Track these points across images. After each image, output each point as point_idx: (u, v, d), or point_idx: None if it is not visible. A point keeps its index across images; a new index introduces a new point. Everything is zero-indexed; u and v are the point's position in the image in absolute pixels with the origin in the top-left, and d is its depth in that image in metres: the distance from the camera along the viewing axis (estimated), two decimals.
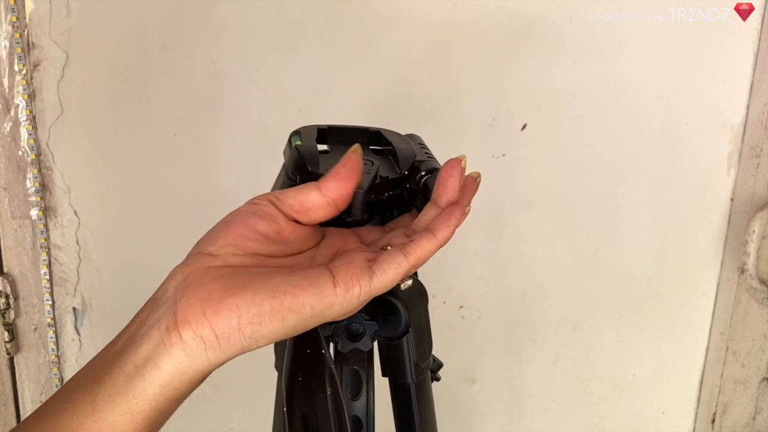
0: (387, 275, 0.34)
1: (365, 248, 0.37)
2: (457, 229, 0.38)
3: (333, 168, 0.36)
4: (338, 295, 0.32)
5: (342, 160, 0.36)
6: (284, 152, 0.44)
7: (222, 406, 1.08)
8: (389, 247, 0.36)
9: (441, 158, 0.45)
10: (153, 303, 0.34)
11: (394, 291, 0.44)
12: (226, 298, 0.31)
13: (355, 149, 0.36)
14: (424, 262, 0.36)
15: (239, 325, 0.31)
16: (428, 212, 0.38)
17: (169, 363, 0.31)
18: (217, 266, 0.33)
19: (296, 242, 0.36)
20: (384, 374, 0.46)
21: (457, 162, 0.37)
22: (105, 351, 0.34)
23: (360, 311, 0.43)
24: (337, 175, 0.35)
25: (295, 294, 0.32)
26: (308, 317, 0.32)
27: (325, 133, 0.44)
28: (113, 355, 0.32)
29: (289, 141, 0.43)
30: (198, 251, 0.34)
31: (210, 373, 0.33)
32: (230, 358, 0.32)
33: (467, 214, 0.37)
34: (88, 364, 0.34)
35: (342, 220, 0.38)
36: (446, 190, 0.37)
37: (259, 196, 0.37)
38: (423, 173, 0.40)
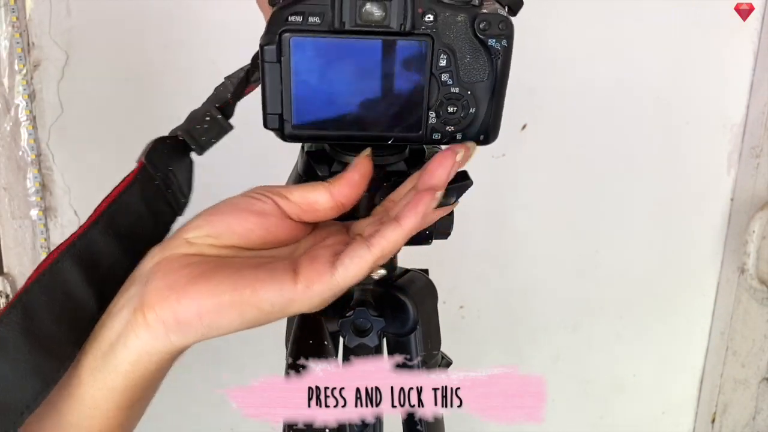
0: (349, 270, 0.32)
1: (342, 240, 0.35)
2: (433, 219, 0.35)
3: (345, 171, 0.35)
4: (299, 291, 0.32)
5: (355, 163, 0.35)
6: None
7: (222, 405, 1.08)
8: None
9: None
10: (131, 280, 0.35)
11: (403, 287, 0.44)
12: (189, 286, 0.32)
13: (368, 154, 0.36)
14: (392, 253, 0.33)
15: (199, 313, 0.32)
16: (405, 200, 0.35)
17: (136, 343, 0.32)
18: (191, 254, 0.34)
19: (283, 238, 0.35)
20: None
21: (452, 152, 0.34)
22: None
23: (369, 307, 0.43)
24: (351, 180, 0.35)
25: (255, 288, 0.32)
26: (268, 312, 0.32)
27: None
28: (96, 329, 0.34)
29: (302, 146, 0.44)
30: (179, 235, 0.35)
31: (178, 355, 0.34)
32: (193, 343, 0.33)
33: (438, 199, 0.33)
34: None
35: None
36: (432, 177, 0.34)
37: (261, 188, 0.36)
38: None
